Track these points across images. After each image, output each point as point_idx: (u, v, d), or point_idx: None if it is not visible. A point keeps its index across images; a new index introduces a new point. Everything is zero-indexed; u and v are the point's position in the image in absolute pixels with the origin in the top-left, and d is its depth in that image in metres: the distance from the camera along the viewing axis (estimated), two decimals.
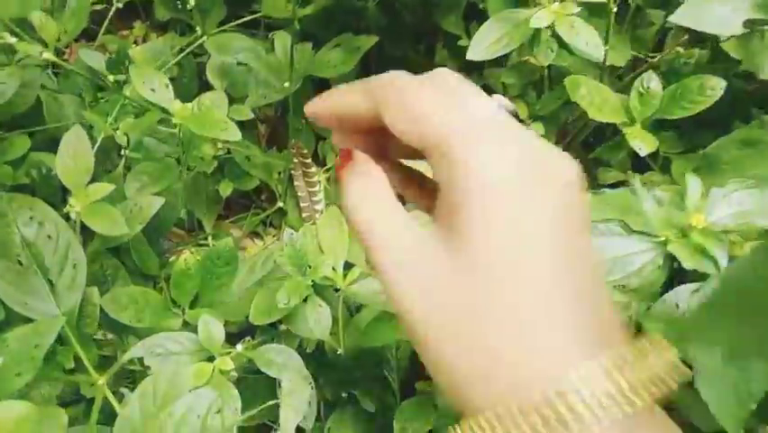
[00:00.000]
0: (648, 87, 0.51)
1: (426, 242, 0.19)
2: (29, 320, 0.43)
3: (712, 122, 0.57)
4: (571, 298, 0.18)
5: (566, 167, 0.19)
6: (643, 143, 0.49)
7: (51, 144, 0.66)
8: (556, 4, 0.45)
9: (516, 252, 0.18)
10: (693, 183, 0.33)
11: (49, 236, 0.45)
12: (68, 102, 0.67)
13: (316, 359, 0.62)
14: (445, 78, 0.20)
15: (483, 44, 0.46)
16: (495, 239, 0.18)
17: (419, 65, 0.80)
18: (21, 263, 0.44)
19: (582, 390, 0.16)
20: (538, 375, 0.17)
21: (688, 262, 0.31)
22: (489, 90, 0.84)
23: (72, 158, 0.50)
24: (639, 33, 0.68)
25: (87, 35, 0.82)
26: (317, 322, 0.51)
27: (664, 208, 0.33)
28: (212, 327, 0.48)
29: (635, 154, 0.67)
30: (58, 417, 0.39)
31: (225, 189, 0.75)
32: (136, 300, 0.56)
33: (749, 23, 0.46)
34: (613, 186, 0.64)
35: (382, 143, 0.23)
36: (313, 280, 0.50)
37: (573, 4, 0.44)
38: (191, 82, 0.79)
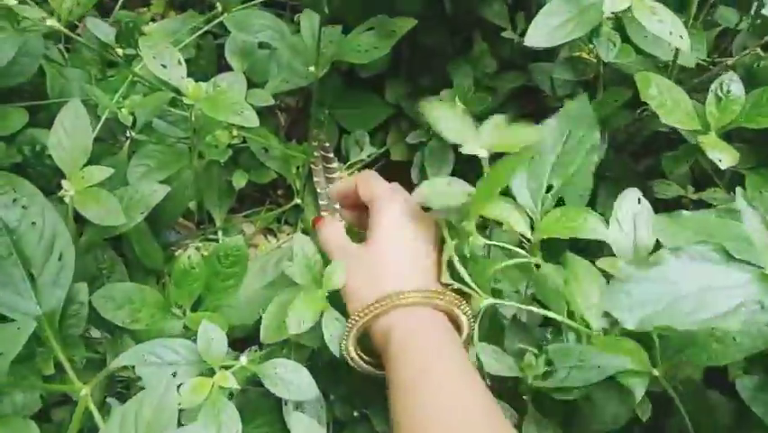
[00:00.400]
0: (729, 91, 0.44)
1: (359, 248, 0.46)
2: (4, 319, 0.37)
3: None
4: (413, 266, 0.44)
5: (397, 212, 0.46)
6: (723, 155, 0.42)
7: (53, 122, 0.61)
8: None
9: (389, 248, 0.44)
10: None
11: (33, 223, 0.39)
12: (74, 77, 0.62)
13: (327, 375, 0.56)
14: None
15: (545, 29, 0.39)
16: (381, 243, 0.45)
17: (455, 58, 0.74)
18: None
19: (411, 293, 0.42)
20: (391, 289, 0.42)
21: None
22: (528, 90, 0.77)
23: (68, 136, 0.45)
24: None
25: (103, 10, 0.77)
26: (333, 337, 0.44)
27: None
28: (213, 337, 0.41)
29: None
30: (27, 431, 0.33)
31: (239, 181, 0.69)
32: (132, 299, 0.50)
33: None
34: (671, 203, 0.58)
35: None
36: (328, 291, 0.44)
37: None
38: (210, 65, 0.73)
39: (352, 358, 0.45)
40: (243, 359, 0.43)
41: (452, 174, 0.68)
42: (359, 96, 0.75)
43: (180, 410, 0.36)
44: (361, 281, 0.44)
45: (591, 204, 0.41)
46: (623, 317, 0.30)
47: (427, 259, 0.44)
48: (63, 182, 0.45)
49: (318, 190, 0.69)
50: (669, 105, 0.44)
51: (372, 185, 0.47)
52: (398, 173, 0.71)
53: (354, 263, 0.45)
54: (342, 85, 0.75)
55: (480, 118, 0.70)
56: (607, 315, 0.38)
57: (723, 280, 0.28)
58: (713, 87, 0.45)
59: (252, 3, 0.65)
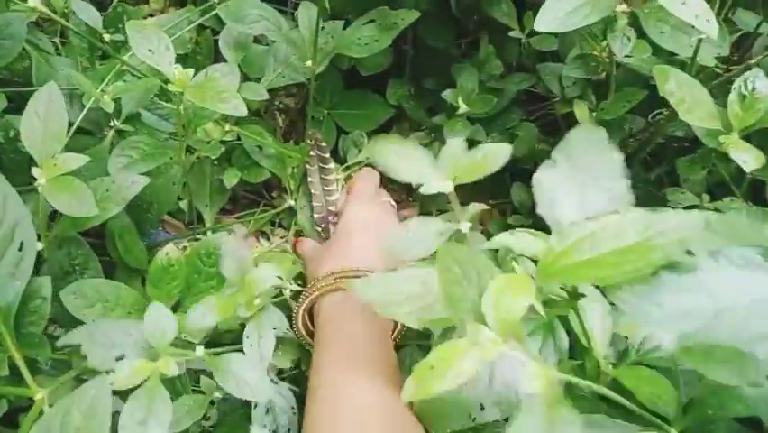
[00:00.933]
0: (754, 89, 0.41)
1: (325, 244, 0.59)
2: None
3: None
4: (367, 252, 0.53)
5: (388, 208, 0.61)
6: (748, 156, 0.38)
7: None
8: None
9: (348, 235, 0.56)
10: None
11: None
12: (61, 65, 0.59)
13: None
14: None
15: (557, 12, 0.36)
16: (344, 233, 0.56)
17: (460, 60, 0.71)
18: None
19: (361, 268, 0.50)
20: (339, 267, 0.51)
21: None
22: (535, 97, 0.74)
23: (41, 121, 0.42)
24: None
25: (99, 4, 0.74)
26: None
27: None
28: (162, 320, 0.37)
29: None
30: None
31: (231, 179, 0.66)
32: (106, 297, 0.46)
33: None
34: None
35: None
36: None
37: None
38: (206, 60, 0.71)
39: (297, 330, 0.50)
40: (199, 350, 0.39)
41: None
42: (359, 95, 0.72)
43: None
44: (317, 263, 0.53)
45: None
46: (658, 334, 0.26)
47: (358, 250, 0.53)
48: (34, 170, 0.42)
49: (312, 192, 0.66)
50: (689, 102, 0.40)
51: (356, 180, 0.60)
52: None
53: (318, 253, 0.57)
54: (341, 84, 0.72)
55: (484, 121, 0.67)
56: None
57: None
58: (736, 84, 0.42)
59: None
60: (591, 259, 0.30)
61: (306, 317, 0.51)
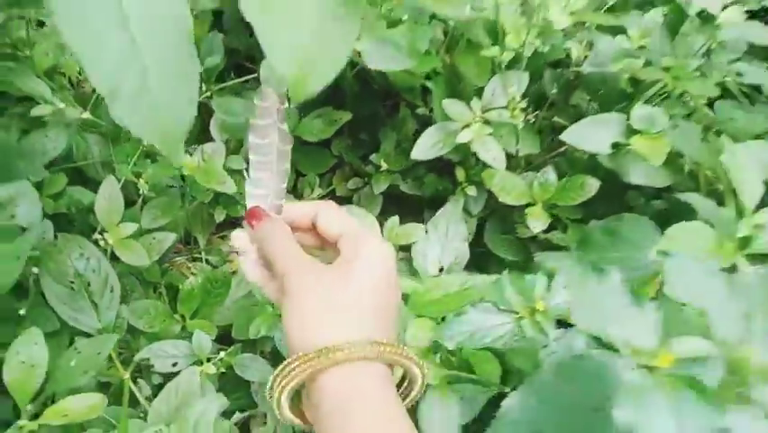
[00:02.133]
0: (546, 179, 0.69)
1: (324, 268, 0.38)
2: (77, 331, 0.59)
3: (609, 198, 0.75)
4: (380, 313, 0.37)
5: (390, 256, 0.39)
6: (538, 221, 0.67)
7: (77, 176, 0.82)
8: (477, 124, 0.62)
9: (367, 283, 0.37)
10: (540, 279, 0.51)
11: (93, 270, 0.61)
12: (93, 141, 0.82)
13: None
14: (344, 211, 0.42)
15: (425, 146, 0.63)
16: (360, 275, 0.37)
17: (385, 121, 0.97)
18: (73, 288, 0.60)
19: (368, 345, 0.35)
20: (346, 337, 0.35)
21: (533, 335, 0.49)
22: None
23: (108, 202, 0.66)
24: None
25: None
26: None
27: (521, 293, 0.51)
28: (202, 340, 0.64)
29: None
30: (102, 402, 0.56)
31: (219, 215, 0.91)
32: (149, 311, 0.72)
33: (615, 145, 0.64)
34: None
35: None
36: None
37: (488, 127, 0.62)
38: (194, 126, 0.94)
39: (280, 410, 0.37)
40: (222, 354, 0.66)
41: (381, 212, 0.92)
42: (311, 147, 0.97)
43: None
44: (314, 312, 0.36)
45: None
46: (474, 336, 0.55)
47: (395, 311, 0.39)
48: (105, 235, 0.67)
49: (251, 157, 0.43)
50: (508, 188, 0.68)
51: (346, 217, 0.40)
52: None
53: (312, 284, 0.36)
54: (299, 141, 0.97)
55: (402, 171, 0.93)
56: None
57: (496, 321, 0.53)
58: (538, 175, 0.70)
59: (232, 81, 0.87)
60: (439, 298, 0.58)
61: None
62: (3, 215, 0.49)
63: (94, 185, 0.77)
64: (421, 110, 0.90)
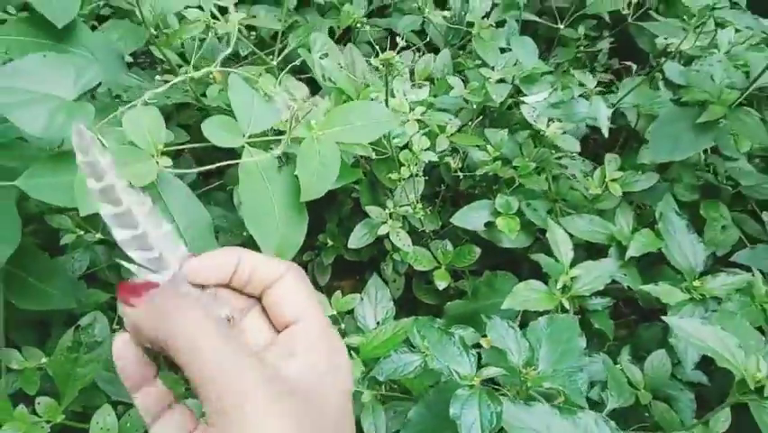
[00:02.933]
0: (446, 248, 0.97)
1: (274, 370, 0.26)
2: (118, 402, 0.82)
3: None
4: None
5: (346, 375, 0.28)
6: (442, 281, 0.94)
7: (87, 278, 1.04)
8: (390, 221, 0.89)
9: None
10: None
11: None
12: (101, 252, 1.05)
13: None
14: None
15: (356, 237, 0.90)
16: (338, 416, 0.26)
17: (328, 204, 1.23)
18: (113, 372, 0.83)
19: None
20: None
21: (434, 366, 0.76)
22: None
23: None
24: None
25: None
26: None
27: (426, 337, 0.78)
28: None
29: None
30: None
31: None
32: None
33: (487, 223, 0.93)
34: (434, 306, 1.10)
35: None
36: None
37: (398, 222, 0.89)
38: None
39: None
40: None
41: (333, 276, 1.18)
42: None
43: None
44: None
45: None
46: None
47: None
48: None
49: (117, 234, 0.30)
50: (419, 257, 0.96)
51: (310, 293, 0.29)
52: None
53: (270, 397, 0.24)
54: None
55: (346, 246, 1.19)
56: None
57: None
58: (440, 245, 0.98)
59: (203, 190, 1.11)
60: (378, 345, 0.84)
61: None
62: (86, 334, 0.72)
63: (102, 284, 1.01)
64: (355, 194, 1.16)
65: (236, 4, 0.87)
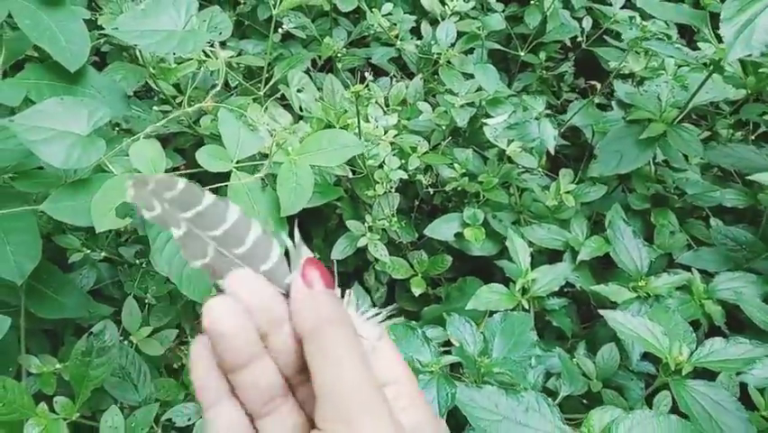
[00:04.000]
0: (421, 257, 1.06)
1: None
2: (125, 405, 0.91)
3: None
4: None
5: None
6: (418, 288, 1.03)
7: (92, 293, 1.13)
8: (369, 233, 0.98)
9: None
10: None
11: (131, 363, 0.92)
12: (104, 269, 1.14)
13: None
14: None
15: (338, 250, 0.99)
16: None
17: (314, 219, 1.32)
18: (120, 377, 0.91)
19: None
20: None
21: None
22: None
23: (129, 314, 0.98)
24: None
25: None
26: None
27: (403, 340, 0.87)
28: None
29: None
30: None
31: (199, 308, 1.23)
32: (164, 385, 1.03)
33: (457, 234, 1.02)
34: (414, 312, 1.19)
35: None
36: None
37: (377, 235, 0.98)
38: None
39: None
40: None
41: None
42: None
43: None
44: None
45: None
46: None
47: None
48: (130, 337, 0.99)
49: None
50: (397, 267, 1.05)
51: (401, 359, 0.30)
52: None
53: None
54: None
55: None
56: None
57: None
58: (416, 254, 1.07)
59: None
60: None
61: None
62: (98, 339, 0.81)
63: (106, 299, 1.10)
64: (339, 210, 1.26)
65: (224, 42, 0.97)
